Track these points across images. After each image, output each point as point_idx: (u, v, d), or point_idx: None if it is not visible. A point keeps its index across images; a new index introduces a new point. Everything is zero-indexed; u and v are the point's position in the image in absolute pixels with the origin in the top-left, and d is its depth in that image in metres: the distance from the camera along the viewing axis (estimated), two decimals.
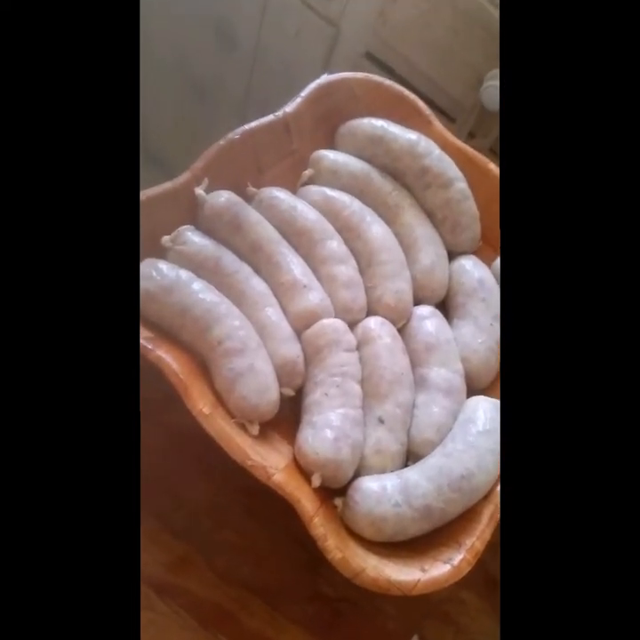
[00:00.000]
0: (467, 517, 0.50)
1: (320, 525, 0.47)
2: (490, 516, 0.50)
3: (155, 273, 0.53)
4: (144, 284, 0.53)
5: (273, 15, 1.07)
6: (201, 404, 0.49)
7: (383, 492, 0.49)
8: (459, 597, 0.56)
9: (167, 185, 0.56)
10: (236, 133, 0.59)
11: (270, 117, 0.61)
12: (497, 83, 0.86)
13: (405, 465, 0.53)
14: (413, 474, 0.50)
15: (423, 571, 0.47)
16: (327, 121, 0.65)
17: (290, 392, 0.54)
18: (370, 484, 0.50)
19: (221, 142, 0.58)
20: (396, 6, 0.93)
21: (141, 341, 0.50)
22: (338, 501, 0.51)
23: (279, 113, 0.61)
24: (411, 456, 0.54)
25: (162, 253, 0.56)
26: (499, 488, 0.51)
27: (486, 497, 0.51)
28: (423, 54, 0.96)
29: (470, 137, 0.98)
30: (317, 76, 0.68)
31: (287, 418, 0.54)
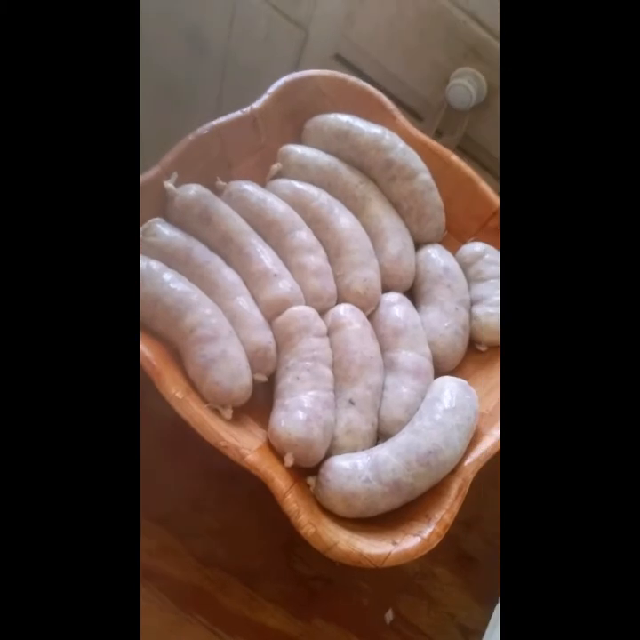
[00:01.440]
0: (435, 492, 0.52)
1: (293, 502, 0.48)
2: (457, 489, 0.51)
3: None
4: None
5: (242, 20, 1.09)
6: (174, 390, 0.50)
7: (354, 469, 0.51)
8: (432, 572, 0.58)
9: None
10: (204, 128, 0.60)
11: (238, 113, 0.62)
12: (461, 81, 0.88)
13: (376, 444, 0.55)
14: (383, 451, 0.52)
15: (394, 544, 0.49)
16: (294, 117, 0.67)
17: (262, 378, 0.56)
18: (341, 462, 0.51)
19: (190, 137, 0.60)
20: (363, 9, 0.96)
21: None
22: (311, 480, 0.52)
23: (246, 109, 0.63)
24: (381, 436, 0.55)
25: None
26: (466, 462, 0.53)
27: (454, 471, 0.52)
28: (391, 55, 0.99)
29: (438, 135, 1.01)
30: None
31: (260, 404, 0.56)
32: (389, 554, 0.48)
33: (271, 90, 0.65)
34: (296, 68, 1.08)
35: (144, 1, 1.12)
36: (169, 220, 0.59)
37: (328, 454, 0.53)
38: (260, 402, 0.56)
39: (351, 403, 0.55)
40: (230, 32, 1.10)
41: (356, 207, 0.64)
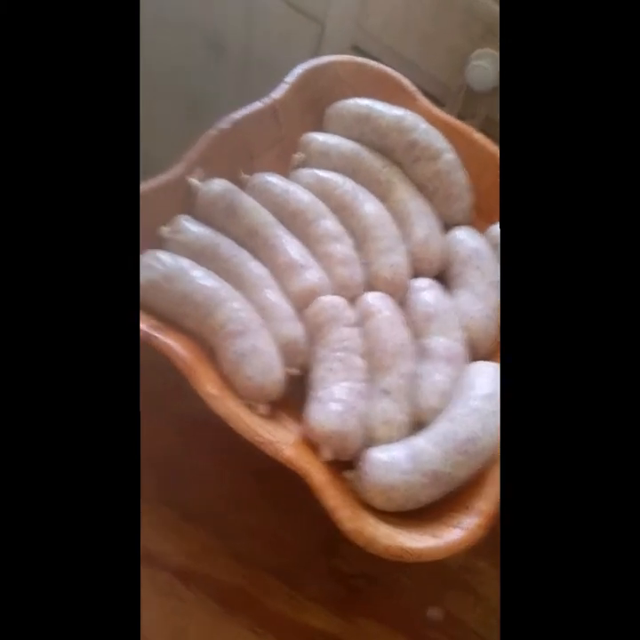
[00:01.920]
0: (475, 482, 0.50)
1: (332, 497, 0.47)
2: (498, 478, 0.49)
3: (156, 263, 0.54)
4: (147, 275, 0.54)
5: (258, 19, 1.09)
6: (208, 387, 0.50)
7: (392, 461, 0.49)
8: (476, 566, 0.55)
9: (162, 177, 0.57)
10: (225, 122, 0.60)
11: (258, 104, 0.62)
12: (481, 63, 0.86)
13: (412, 434, 0.53)
14: (420, 441, 0.50)
15: (435, 537, 0.47)
16: (314, 105, 0.66)
17: (295, 371, 0.55)
18: (378, 454, 0.50)
19: (212, 132, 0.59)
20: None
21: (147, 330, 0.51)
22: (349, 474, 0.51)
23: (266, 99, 0.62)
24: (416, 425, 0.54)
25: (161, 244, 0.57)
26: None
27: (493, 459, 0.50)
28: (407, 42, 0.97)
29: (459, 119, 0.99)
30: None
31: (294, 397, 0.55)
32: (431, 547, 0.46)
33: (290, 79, 0.64)
34: None
35: (162, 5, 1.14)
36: (195, 216, 0.58)
37: (364, 446, 0.51)
38: (293, 395, 0.55)
39: (385, 392, 0.53)
40: (247, 31, 1.10)
41: (380, 192, 0.62)
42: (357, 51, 1.02)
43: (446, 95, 0.99)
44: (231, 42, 1.15)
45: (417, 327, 0.57)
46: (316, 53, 1.09)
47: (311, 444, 0.51)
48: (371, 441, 0.52)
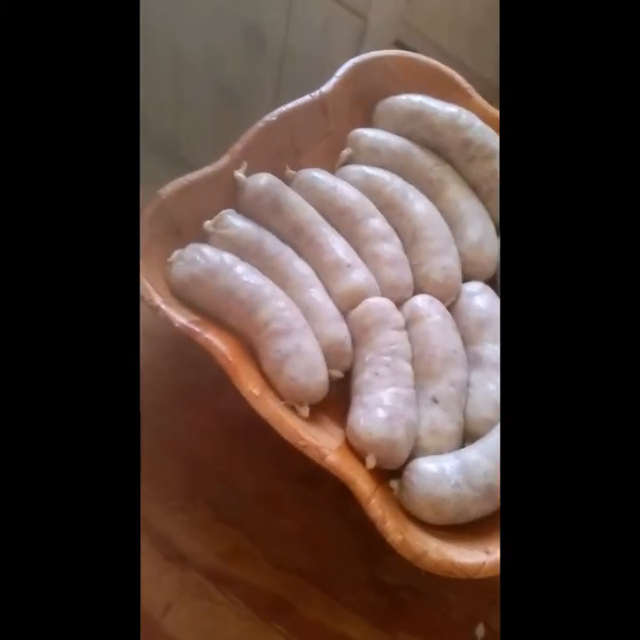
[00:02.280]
0: None
1: (378, 507, 0.45)
2: None
3: (199, 257, 0.53)
4: (189, 269, 0.53)
5: (299, 11, 1.08)
6: (251, 386, 0.48)
7: (442, 473, 0.47)
8: None
9: (207, 169, 0.56)
10: (273, 115, 0.58)
11: (306, 98, 0.60)
12: None
13: (462, 446, 0.51)
14: (473, 453, 0.48)
15: (488, 553, 0.45)
16: (363, 100, 0.64)
17: (338, 374, 0.53)
18: (427, 465, 0.48)
19: (259, 124, 0.58)
20: None
21: (189, 325, 0.50)
22: (394, 483, 0.49)
23: (315, 93, 0.61)
24: (468, 436, 0.51)
25: (205, 238, 0.56)
26: None
27: None
28: (454, 39, 0.95)
29: None
30: None
31: (336, 400, 0.53)
32: (484, 564, 0.44)
33: (340, 73, 0.62)
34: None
35: (202, 1, 1.13)
36: (239, 210, 0.57)
37: (411, 456, 0.49)
38: (335, 398, 0.53)
39: (434, 400, 0.51)
40: (287, 24, 1.09)
41: (431, 191, 0.60)
42: (401, 46, 0.99)
43: (493, 95, 0.96)
44: (271, 33, 1.14)
45: (469, 333, 0.54)
46: (357, 48, 1.07)
47: (355, 450, 0.49)
48: (418, 450, 0.50)
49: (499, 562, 0.44)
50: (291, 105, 0.59)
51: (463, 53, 0.95)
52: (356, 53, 1.05)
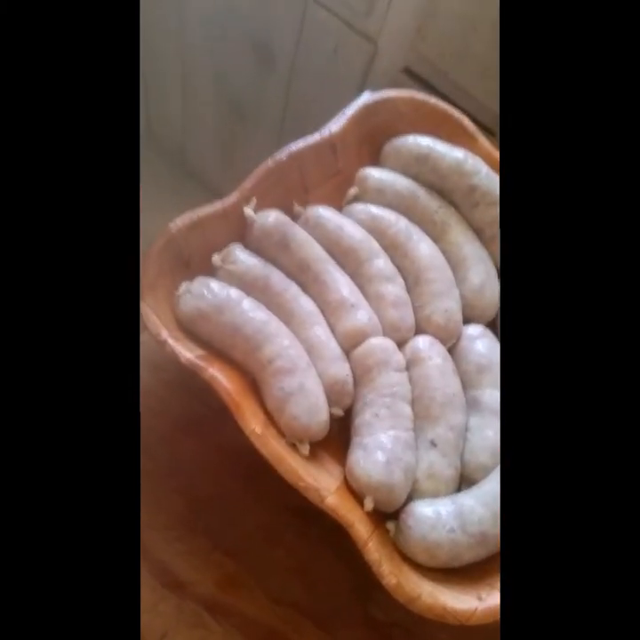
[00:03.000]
0: None
1: (375, 551, 0.46)
2: None
3: (206, 292, 0.54)
4: (197, 303, 0.54)
5: (310, 32, 1.08)
6: (253, 424, 0.49)
7: (438, 518, 0.48)
8: None
9: (217, 205, 0.57)
10: (282, 154, 0.59)
11: (316, 137, 0.61)
12: None
13: (459, 489, 0.52)
14: (468, 499, 0.49)
15: (480, 599, 0.46)
16: (372, 139, 0.65)
17: (339, 412, 0.54)
18: (423, 509, 0.49)
19: (269, 163, 0.59)
20: (435, 22, 0.93)
21: (194, 360, 0.51)
22: (390, 525, 0.50)
23: (325, 132, 0.61)
24: (464, 480, 0.53)
25: (213, 271, 0.57)
26: None
27: None
28: (463, 69, 0.96)
29: None
30: (355, 93, 0.68)
31: (336, 438, 0.54)
32: (476, 610, 0.45)
33: (349, 112, 0.63)
34: (364, 81, 1.06)
35: (213, 16, 1.13)
36: (247, 245, 0.58)
37: (408, 498, 0.51)
38: (334, 436, 0.54)
39: (433, 444, 0.52)
40: (298, 45, 1.10)
41: (435, 233, 0.61)
42: (409, 73, 1.00)
43: (497, 125, 0.97)
44: (281, 52, 1.15)
45: (468, 377, 0.56)
46: (366, 72, 1.08)
47: (354, 491, 0.50)
48: (415, 493, 0.51)
49: (491, 609, 0.45)
50: (300, 143, 0.60)
51: (471, 84, 0.96)
52: (364, 77, 1.07)
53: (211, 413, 0.57)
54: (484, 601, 0.46)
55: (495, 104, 0.94)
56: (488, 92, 0.94)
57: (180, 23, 1.20)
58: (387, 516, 0.50)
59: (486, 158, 0.63)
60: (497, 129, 0.97)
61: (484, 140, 0.66)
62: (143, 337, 0.51)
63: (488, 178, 0.61)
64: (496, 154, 0.65)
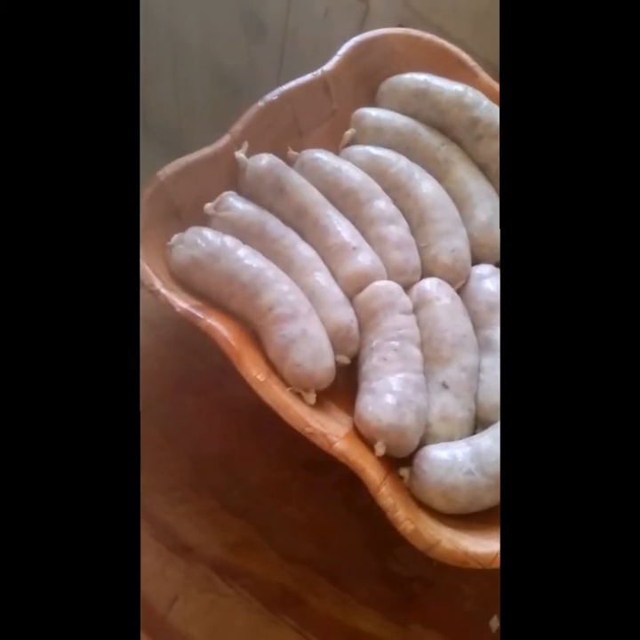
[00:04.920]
0: None
1: (388, 495, 0.44)
2: None
3: (200, 240, 0.51)
4: (190, 252, 0.51)
5: None
6: (255, 372, 0.46)
7: (454, 460, 0.45)
8: None
9: (207, 150, 0.54)
10: (273, 94, 0.56)
11: (308, 77, 0.58)
12: None
13: (474, 432, 0.49)
14: (485, 440, 0.46)
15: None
16: (367, 79, 0.62)
17: (345, 359, 0.51)
18: (438, 453, 0.46)
19: (260, 104, 0.56)
20: None
21: (191, 310, 0.48)
22: (404, 471, 0.47)
23: (317, 72, 0.59)
24: (479, 423, 0.50)
25: (206, 221, 0.54)
26: None
27: None
28: (457, 22, 0.93)
29: None
30: None
31: (342, 387, 0.51)
32: (498, 553, 0.43)
33: (342, 51, 0.61)
34: None
35: None
36: (241, 192, 0.55)
37: (421, 443, 0.48)
38: (341, 385, 0.51)
39: (445, 386, 0.49)
40: (288, 10, 1.07)
41: (438, 172, 0.58)
42: None
43: (498, 77, 0.94)
44: (271, 20, 1.12)
45: (479, 317, 0.53)
46: (360, 33, 1.05)
47: (364, 437, 0.48)
48: (428, 437, 0.48)
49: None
50: (292, 83, 0.57)
51: (466, 36, 0.92)
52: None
53: (211, 370, 0.55)
54: None
55: (491, 55, 0.91)
56: (483, 44, 0.91)
57: (169, 6, 1.18)
58: (400, 463, 0.48)
59: (487, 92, 0.60)
60: (496, 81, 0.93)
61: (484, 74, 0.63)
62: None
63: (490, 110, 0.58)
64: (497, 87, 0.62)
